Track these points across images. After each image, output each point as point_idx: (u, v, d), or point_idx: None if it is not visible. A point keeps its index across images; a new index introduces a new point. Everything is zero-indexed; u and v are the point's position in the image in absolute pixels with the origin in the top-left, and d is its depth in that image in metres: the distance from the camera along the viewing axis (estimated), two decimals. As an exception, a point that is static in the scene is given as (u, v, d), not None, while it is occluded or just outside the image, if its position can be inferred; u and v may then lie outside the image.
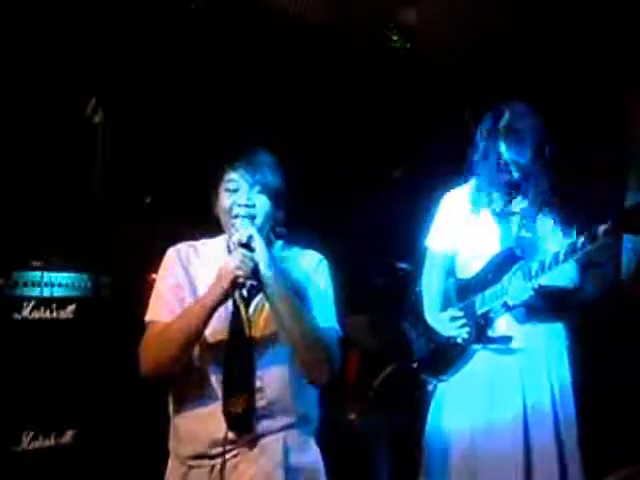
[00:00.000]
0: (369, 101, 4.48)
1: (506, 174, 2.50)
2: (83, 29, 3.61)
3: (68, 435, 2.99)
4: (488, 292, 2.53)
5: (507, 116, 2.50)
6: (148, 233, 3.46)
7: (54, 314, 3.00)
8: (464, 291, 2.64)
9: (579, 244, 2.26)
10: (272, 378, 2.07)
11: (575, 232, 2.43)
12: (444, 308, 2.70)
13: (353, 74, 4.41)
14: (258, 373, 2.04)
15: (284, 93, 4.22)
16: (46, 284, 3.00)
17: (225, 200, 2.09)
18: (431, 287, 2.73)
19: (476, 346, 2.57)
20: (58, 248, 3.32)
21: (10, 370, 2.85)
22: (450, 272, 2.73)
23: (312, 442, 2.17)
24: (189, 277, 2.14)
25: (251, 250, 2.00)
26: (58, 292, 3.03)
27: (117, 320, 3.13)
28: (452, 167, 2.78)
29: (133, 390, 3.02)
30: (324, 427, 2.24)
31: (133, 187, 3.70)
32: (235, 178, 2.09)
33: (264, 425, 2.05)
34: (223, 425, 2.02)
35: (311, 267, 2.19)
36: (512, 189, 2.54)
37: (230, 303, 2.05)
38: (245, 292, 2.06)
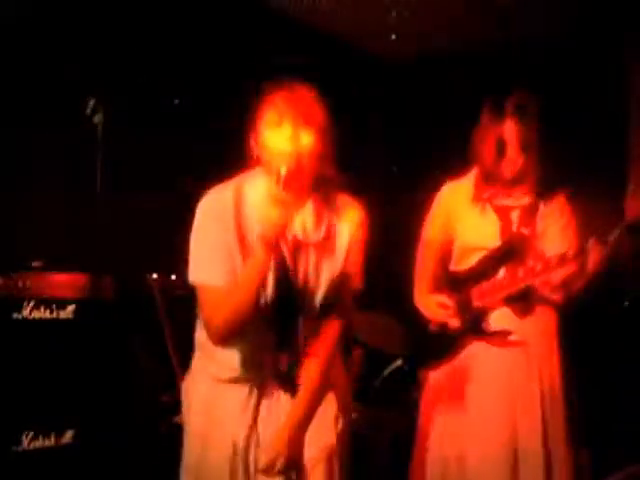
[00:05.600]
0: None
1: (509, 161, 2.48)
2: (83, 28, 3.61)
3: (68, 435, 2.99)
4: (486, 285, 2.55)
5: (515, 98, 2.49)
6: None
7: (54, 314, 3.00)
8: (459, 281, 2.66)
9: (589, 245, 2.31)
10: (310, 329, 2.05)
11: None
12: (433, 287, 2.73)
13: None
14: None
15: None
16: (46, 284, 3.00)
17: (266, 137, 1.91)
18: (423, 273, 2.75)
19: (471, 337, 2.59)
20: (58, 248, 3.32)
21: (10, 370, 2.85)
22: (442, 260, 2.74)
23: None
24: (239, 231, 1.95)
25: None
26: (58, 292, 3.03)
27: (117, 320, 3.13)
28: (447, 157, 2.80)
29: (133, 390, 3.03)
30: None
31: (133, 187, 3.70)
32: (276, 112, 1.90)
33: None
34: (262, 353, 2.01)
35: (351, 221, 2.07)
36: (514, 180, 2.53)
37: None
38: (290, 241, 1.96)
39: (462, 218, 2.64)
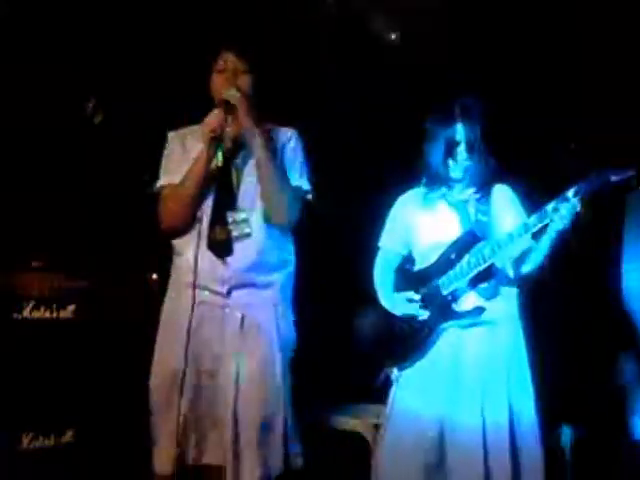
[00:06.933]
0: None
1: (457, 157, 2.64)
2: (83, 28, 3.61)
3: (68, 435, 3.00)
4: (453, 272, 2.64)
5: (460, 102, 2.67)
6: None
7: (54, 314, 3.01)
8: (426, 277, 2.73)
9: (550, 209, 2.40)
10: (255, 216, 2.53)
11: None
12: (397, 291, 2.81)
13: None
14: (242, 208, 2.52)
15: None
16: (46, 284, 3.00)
17: (214, 80, 2.51)
18: (384, 278, 2.86)
19: (445, 324, 2.65)
20: (58, 248, 3.32)
21: (10, 370, 2.86)
22: (401, 266, 2.86)
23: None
24: (185, 150, 2.57)
25: (230, 108, 2.39)
26: (58, 292, 3.04)
27: (117, 320, 3.13)
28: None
29: (133, 390, 3.03)
30: (324, 428, 2.25)
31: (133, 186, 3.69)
32: (224, 59, 2.50)
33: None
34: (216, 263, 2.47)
35: (285, 139, 2.62)
36: (462, 178, 2.68)
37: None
38: (227, 145, 2.48)
39: (418, 224, 2.77)
